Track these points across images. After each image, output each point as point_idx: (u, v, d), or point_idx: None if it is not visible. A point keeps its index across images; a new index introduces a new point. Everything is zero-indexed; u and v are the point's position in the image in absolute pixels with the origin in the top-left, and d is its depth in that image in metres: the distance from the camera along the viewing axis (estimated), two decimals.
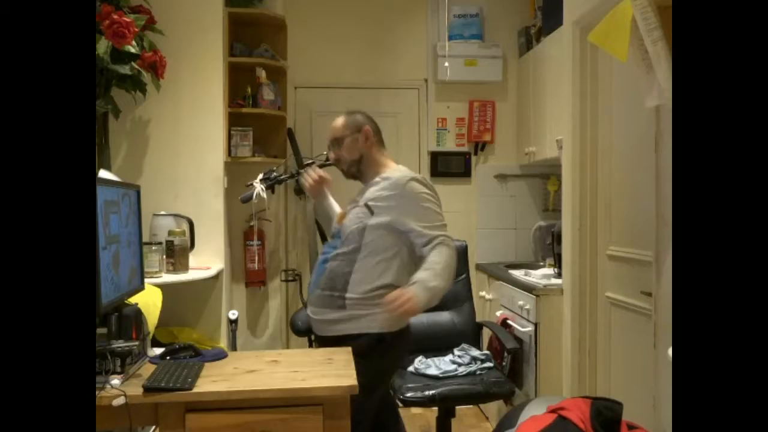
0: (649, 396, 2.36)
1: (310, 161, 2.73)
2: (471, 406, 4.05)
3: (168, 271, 3.08)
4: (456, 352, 3.14)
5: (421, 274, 2.15)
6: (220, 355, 2.04)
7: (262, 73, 3.70)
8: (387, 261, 2.24)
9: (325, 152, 2.86)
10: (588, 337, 2.98)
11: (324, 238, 3.45)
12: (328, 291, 2.25)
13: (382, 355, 2.26)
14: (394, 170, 2.37)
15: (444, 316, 3.34)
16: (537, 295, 3.18)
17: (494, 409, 3.73)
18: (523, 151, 4.21)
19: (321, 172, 2.54)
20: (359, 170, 2.39)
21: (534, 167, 4.27)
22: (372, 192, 2.30)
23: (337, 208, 2.57)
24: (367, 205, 2.27)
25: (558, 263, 3.30)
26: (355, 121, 2.39)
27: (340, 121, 2.42)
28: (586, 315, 2.99)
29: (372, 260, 2.23)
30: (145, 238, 2.71)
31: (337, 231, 2.35)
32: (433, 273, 2.14)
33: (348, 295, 2.22)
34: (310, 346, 3.10)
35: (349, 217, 2.31)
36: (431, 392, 2.80)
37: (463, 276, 3.42)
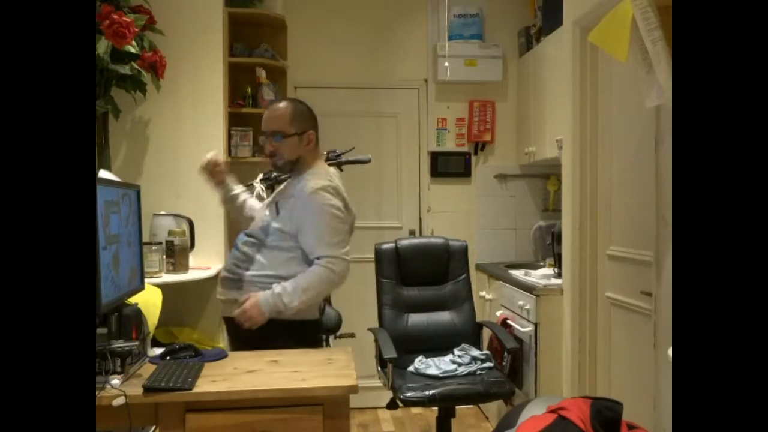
0: (649, 396, 2.36)
1: None
2: (471, 406, 4.05)
3: (168, 271, 3.08)
4: (456, 352, 3.14)
5: (281, 287, 2.20)
6: (220, 355, 2.04)
7: (262, 73, 3.69)
8: (287, 258, 2.28)
9: (326, 151, 2.86)
10: (588, 337, 2.98)
11: None
12: (231, 273, 2.31)
13: (276, 340, 2.21)
14: (313, 175, 2.33)
15: (444, 316, 3.35)
16: (537, 295, 3.18)
17: (494, 409, 3.73)
18: (523, 151, 4.21)
19: (211, 156, 2.51)
20: (292, 169, 2.38)
21: (534, 167, 4.26)
22: (286, 191, 2.39)
23: (241, 191, 2.61)
24: (276, 203, 2.34)
25: (558, 263, 3.30)
26: (302, 120, 2.34)
27: (286, 111, 2.34)
28: (586, 315, 2.99)
29: (273, 253, 2.29)
30: (145, 238, 2.71)
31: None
32: (293, 290, 2.19)
33: (246, 275, 2.27)
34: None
35: (262, 212, 2.39)
36: (431, 392, 2.80)
37: (463, 276, 3.42)
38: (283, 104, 2.36)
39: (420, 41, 4.35)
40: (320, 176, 2.32)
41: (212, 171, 2.51)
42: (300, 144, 2.33)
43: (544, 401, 2.26)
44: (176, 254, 3.09)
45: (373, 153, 3.06)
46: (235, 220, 3.73)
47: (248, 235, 2.35)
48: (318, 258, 2.23)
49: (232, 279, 2.32)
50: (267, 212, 2.36)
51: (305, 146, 2.34)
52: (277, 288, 2.21)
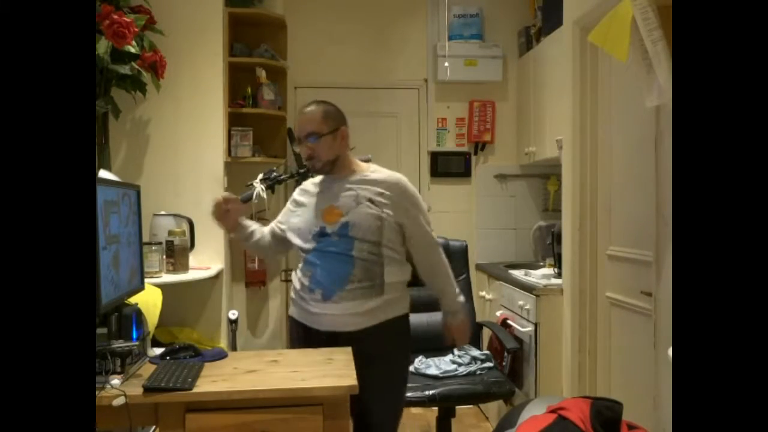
0: (649, 396, 2.36)
1: None
2: (471, 406, 4.05)
3: (168, 271, 3.08)
4: (456, 352, 3.14)
5: (456, 289, 2.41)
6: (220, 355, 2.04)
7: (262, 73, 3.70)
8: (402, 255, 2.30)
9: None
10: (588, 337, 2.98)
11: None
12: (366, 282, 2.20)
13: (409, 331, 2.39)
14: (377, 169, 2.34)
15: None
16: (537, 295, 3.18)
17: (494, 409, 3.73)
18: (523, 151, 4.21)
19: (226, 195, 2.36)
20: (332, 170, 2.30)
21: (534, 167, 4.27)
22: (369, 190, 2.25)
23: (257, 227, 2.43)
24: (372, 201, 2.23)
25: (558, 263, 3.30)
26: (334, 118, 2.29)
27: (317, 113, 2.28)
28: (586, 315, 2.99)
29: (394, 253, 2.26)
30: (145, 238, 2.71)
31: (333, 228, 2.21)
32: (457, 288, 2.42)
33: (387, 280, 2.23)
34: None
35: (355, 216, 2.20)
36: (431, 392, 2.80)
37: (463, 276, 3.41)
38: (312, 107, 2.31)
39: (420, 41, 4.35)
40: (385, 169, 2.34)
41: (224, 214, 2.35)
42: (335, 142, 2.26)
43: (544, 401, 2.26)
44: (176, 254, 3.09)
45: (373, 153, 3.05)
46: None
47: (348, 244, 2.20)
48: (433, 241, 2.35)
49: (371, 286, 2.22)
50: (366, 213, 2.21)
51: (340, 143, 2.28)
52: (459, 295, 2.41)
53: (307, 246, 2.26)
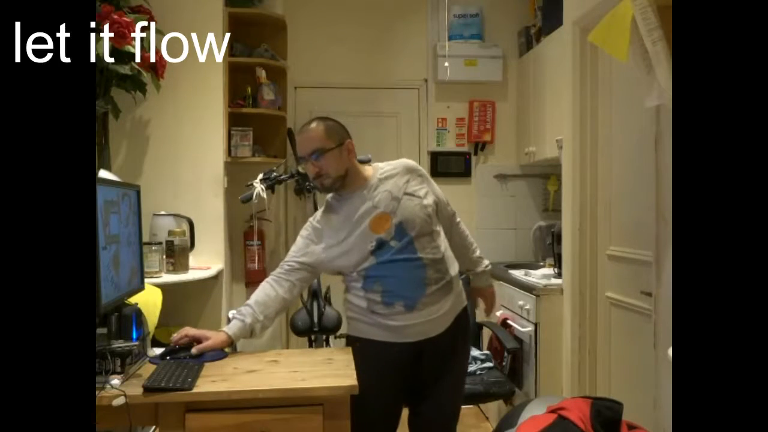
0: (649, 396, 2.36)
1: None
2: (471, 406, 4.05)
3: (168, 271, 3.08)
4: None
5: (481, 257, 2.48)
6: (220, 355, 2.04)
7: (262, 73, 3.69)
8: (443, 238, 2.26)
9: None
10: (588, 337, 2.98)
11: None
12: (441, 281, 2.14)
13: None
14: (384, 164, 2.27)
15: None
16: (537, 295, 3.18)
17: (494, 409, 3.73)
18: (523, 151, 4.21)
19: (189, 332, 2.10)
20: (342, 185, 2.16)
21: (534, 167, 4.27)
22: (396, 185, 2.17)
23: (252, 309, 2.21)
24: (409, 193, 2.17)
25: (558, 263, 3.30)
26: (337, 132, 2.17)
27: (318, 129, 2.15)
28: (586, 315, 2.99)
29: (441, 238, 2.23)
30: (145, 238, 2.71)
31: (389, 235, 2.10)
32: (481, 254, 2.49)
33: (452, 274, 2.20)
34: (311, 346, 3.10)
35: (404, 212, 2.12)
36: None
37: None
38: (313, 124, 2.17)
39: (420, 41, 4.35)
40: (389, 162, 2.27)
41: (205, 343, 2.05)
42: (341, 156, 2.14)
43: (544, 401, 2.26)
44: (176, 254, 3.09)
45: (373, 153, 3.05)
46: (236, 219, 3.75)
47: (411, 248, 2.11)
48: (455, 214, 2.40)
49: (446, 284, 2.16)
50: (413, 207, 2.14)
51: (348, 156, 2.16)
52: (484, 261, 2.48)
53: (367, 264, 2.11)
